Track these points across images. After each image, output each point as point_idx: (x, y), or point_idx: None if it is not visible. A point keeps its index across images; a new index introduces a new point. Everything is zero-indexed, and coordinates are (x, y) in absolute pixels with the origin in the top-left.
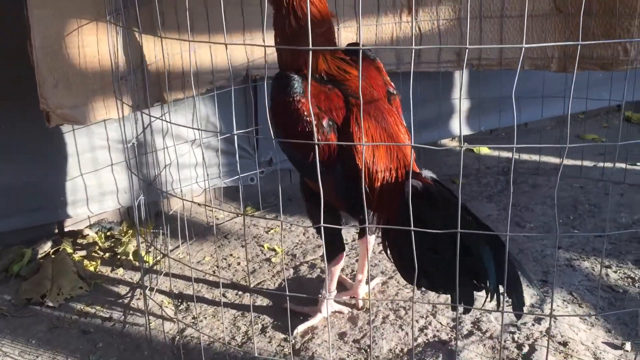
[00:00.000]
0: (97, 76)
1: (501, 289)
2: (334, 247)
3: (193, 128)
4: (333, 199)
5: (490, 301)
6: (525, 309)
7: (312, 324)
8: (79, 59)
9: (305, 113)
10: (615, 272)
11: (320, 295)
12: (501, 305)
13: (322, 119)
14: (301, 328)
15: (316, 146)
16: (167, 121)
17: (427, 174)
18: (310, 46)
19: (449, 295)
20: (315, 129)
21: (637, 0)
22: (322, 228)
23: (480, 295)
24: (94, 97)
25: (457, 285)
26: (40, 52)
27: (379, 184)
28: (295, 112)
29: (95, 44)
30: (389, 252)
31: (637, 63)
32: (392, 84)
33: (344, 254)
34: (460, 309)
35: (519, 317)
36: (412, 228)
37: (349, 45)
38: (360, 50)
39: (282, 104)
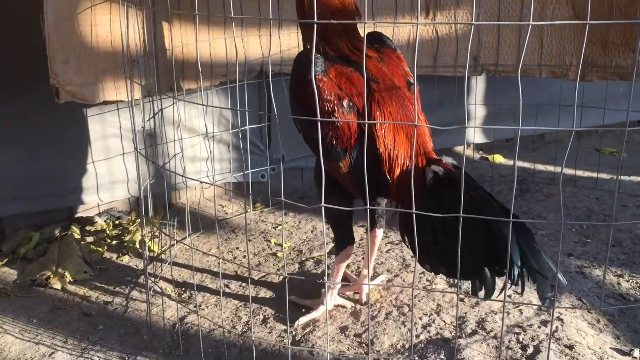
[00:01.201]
0: (108, 56)
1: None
2: (343, 236)
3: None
4: (348, 183)
5: (515, 285)
6: (530, 306)
7: (314, 316)
8: (91, 38)
9: (326, 92)
10: (628, 281)
11: (321, 281)
12: (521, 291)
13: (342, 99)
14: (302, 320)
15: (336, 125)
16: (180, 100)
17: (448, 160)
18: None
19: (454, 289)
20: (335, 109)
21: None
22: (330, 212)
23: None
24: (105, 77)
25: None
26: (52, 28)
27: (398, 169)
28: (315, 89)
29: (108, 24)
30: (406, 239)
31: None
32: (412, 74)
33: (353, 247)
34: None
35: (544, 299)
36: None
37: (368, 34)
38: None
39: (303, 81)
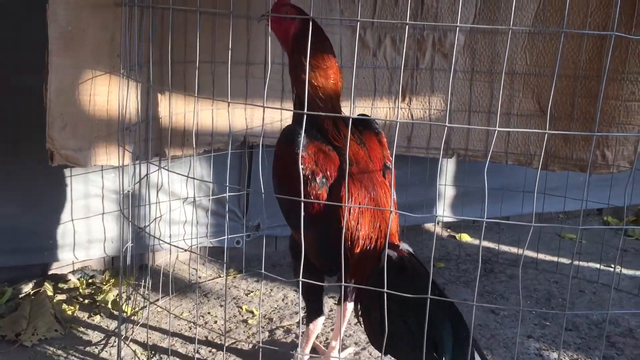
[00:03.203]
0: (103, 124)
1: None
2: (314, 308)
3: (188, 177)
4: (312, 254)
5: None
6: None
7: None
8: (89, 106)
9: (302, 166)
10: None
11: (292, 352)
12: None
13: (316, 175)
14: None
15: (303, 198)
16: (167, 170)
17: (405, 246)
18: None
19: None
20: (308, 183)
21: (616, 110)
22: (302, 285)
23: None
24: (97, 143)
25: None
26: (54, 96)
27: (358, 249)
28: (292, 163)
29: (106, 94)
30: (359, 315)
31: (615, 169)
32: (390, 158)
33: (323, 319)
34: None
35: None
36: (384, 290)
37: (359, 115)
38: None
39: (283, 153)
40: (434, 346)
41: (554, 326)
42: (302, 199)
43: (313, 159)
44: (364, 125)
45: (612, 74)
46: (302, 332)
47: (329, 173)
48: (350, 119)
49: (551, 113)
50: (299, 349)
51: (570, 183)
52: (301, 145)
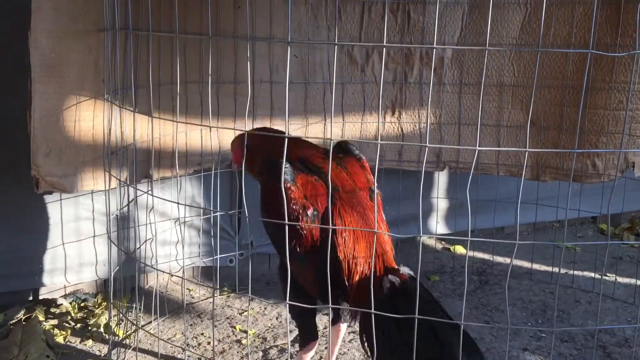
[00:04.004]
0: (89, 149)
1: None
2: (307, 332)
3: (178, 203)
4: (311, 286)
5: None
6: None
7: None
8: (74, 132)
9: (293, 201)
10: None
11: None
12: None
13: (307, 208)
14: None
15: (300, 232)
16: (151, 194)
17: (405, 270)
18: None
19: None
20: (300, 218)
21: (605, 119)
22: (294, 308)
23: None
24: (84, 168)
25: None
26: (38, 123)
27: (357, 277)
28: (282, 197)
29: (91, 119)
30: (365, 344)
31: (606, 177)
32: (375, 182)
33: (316, 342)
34: None
35: None
36: (374, 312)
37: (336, 145)
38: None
39: (273, 189)
40: None
41: (550, 338)
42: (295, 234)
43: (302, 192)
44: (343, 151)
45: (600, 84)
46: (296, 352)
47: (319, 204)
48: (331, 150)
49: (540, 123)
50: None
51: (564, 192)
52: (289, 179)
